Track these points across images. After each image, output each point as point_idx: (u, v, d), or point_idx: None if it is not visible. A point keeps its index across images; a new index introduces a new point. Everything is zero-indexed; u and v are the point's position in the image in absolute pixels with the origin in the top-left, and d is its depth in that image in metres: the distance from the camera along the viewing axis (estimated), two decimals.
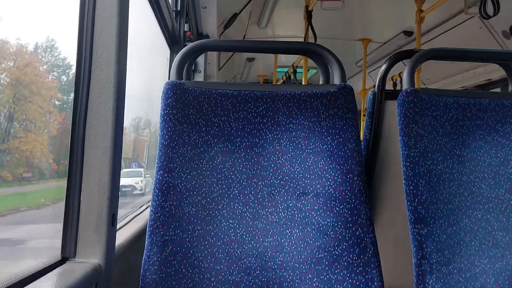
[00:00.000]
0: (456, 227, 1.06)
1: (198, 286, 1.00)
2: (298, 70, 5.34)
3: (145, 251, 1.00)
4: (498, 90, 4.06)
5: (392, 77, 4.23)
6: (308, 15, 3.72)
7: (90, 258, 0.90)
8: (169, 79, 1.09)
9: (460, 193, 1.09)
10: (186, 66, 1.13)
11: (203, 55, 2.97)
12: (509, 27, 3.23)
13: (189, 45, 1.12)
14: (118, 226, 1.09)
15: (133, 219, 1.48)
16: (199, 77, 3.09)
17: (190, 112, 1.07)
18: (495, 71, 3.76)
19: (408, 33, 4.29)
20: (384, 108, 1.31)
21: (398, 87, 4.31)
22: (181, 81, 1.08)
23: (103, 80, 0.92)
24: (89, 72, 0.92)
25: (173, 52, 2.37)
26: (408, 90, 1.12)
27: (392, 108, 1.26)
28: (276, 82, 6.01)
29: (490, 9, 2.76)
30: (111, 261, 0.94)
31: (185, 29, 2.49)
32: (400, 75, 3.91)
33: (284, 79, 5.90)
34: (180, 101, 1.06)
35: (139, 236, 1.27)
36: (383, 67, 1.33)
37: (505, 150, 1.15)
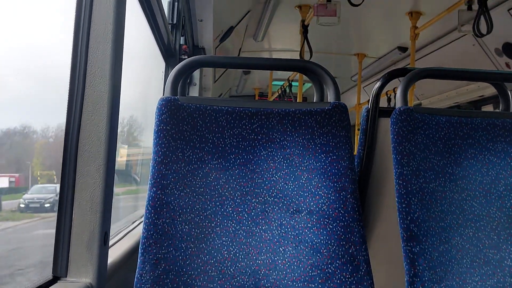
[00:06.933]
0: (448, 244, 1.07)
1: None
2: (293, 83, 5.37)
3: (137, 270, 0.99)
4: (490, 106, 4.10)
5: (386, 92, 4.26)
6: (304, 29, 3.76)
7: (82, 277, 0.89)
8: (163, 94, 1.09)
9: (452, 211, 1.10)
10: (181, 81, 1.13)
11: None
12: (502, 45, 3.27)
13: (184, 61, 1.11)
14: (110, 243, 1.08)
15: (125, 236, 1.46)
16: (194, 90, 3.08)
17: (184, 128, 1.07)
18: (487, 88, 3.81)
19: (403, 49, 4.34)
20: (377, 125, 1.32)
21: (392, 102, 4.34)
22: (176, 97, 1.07)
23: (97, 97, 0.92)
24: (83, 89, 0.91)
25: (168, 65, 2.36)
26: (401, 109, 1.12)
27: (386, 126, 1.26)
28: (272, 95, 6.03)
29: (483, 27, 2.79)
30: (103, 281, 0.93)
31: (181, 42, 2.49)
32: (394, 90, 3.94)
33: (279, 92, 5.92)
34: (174, 117, 1.06)
35: (131, 254, 1.26)
36: (377, 85, 1.34)
37: (496, 168, 1.16)
